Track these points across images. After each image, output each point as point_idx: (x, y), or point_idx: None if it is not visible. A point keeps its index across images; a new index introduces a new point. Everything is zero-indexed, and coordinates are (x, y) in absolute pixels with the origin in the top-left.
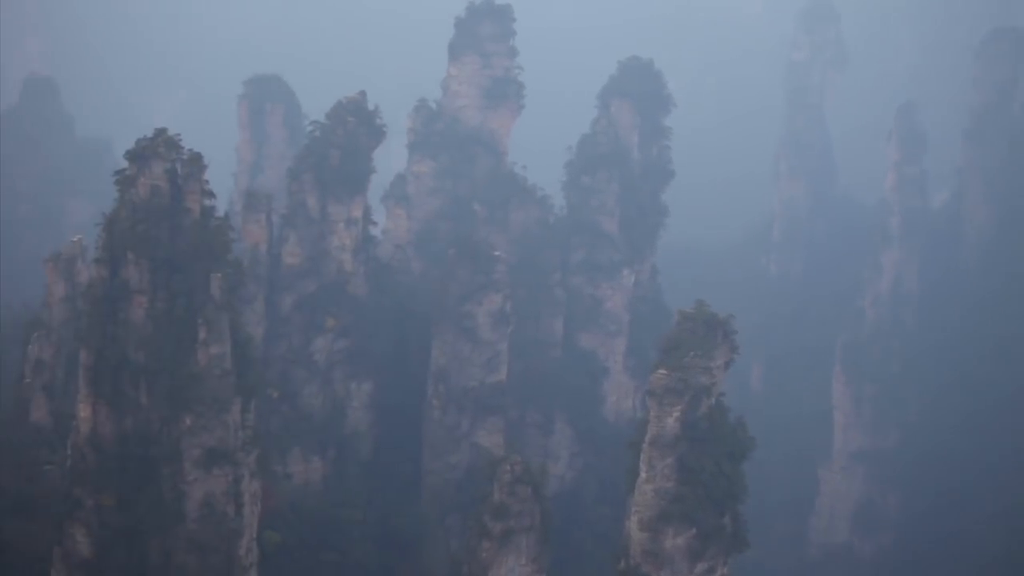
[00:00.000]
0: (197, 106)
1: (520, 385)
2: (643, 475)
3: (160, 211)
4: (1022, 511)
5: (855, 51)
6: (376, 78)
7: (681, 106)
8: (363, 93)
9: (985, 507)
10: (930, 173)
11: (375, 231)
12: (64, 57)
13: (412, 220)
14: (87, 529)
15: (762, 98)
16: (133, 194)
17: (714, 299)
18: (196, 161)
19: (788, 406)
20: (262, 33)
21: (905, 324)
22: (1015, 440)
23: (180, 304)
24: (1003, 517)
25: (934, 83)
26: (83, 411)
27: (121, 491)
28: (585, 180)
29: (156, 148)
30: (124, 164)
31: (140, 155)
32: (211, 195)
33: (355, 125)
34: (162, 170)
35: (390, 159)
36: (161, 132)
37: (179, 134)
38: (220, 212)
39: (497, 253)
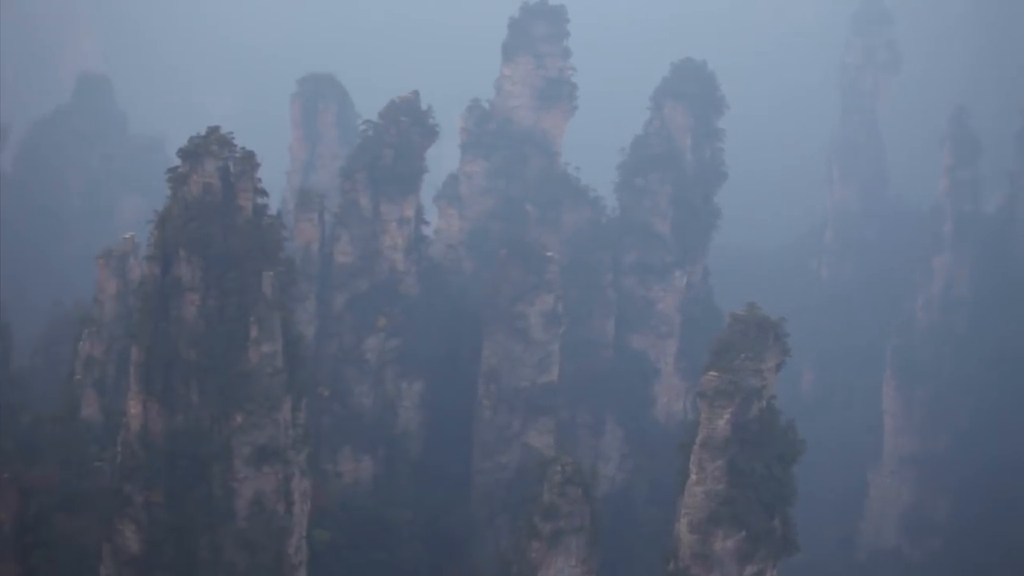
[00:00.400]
0: (250, 104)
1: (571, 386)
2: (693, 477)
3: (212, 209)
4: None
5: (908, 54)
6: (429, 78)
7: (732, 108)
8: (416, 93)
9: None
10: (984, 177)
11: (427, 231)
12: (118, 54)
13: (464, 220)
14: (136, 526)
15: (814, 101)
16: (185, 192)
17: (765, 302)
18: (249, 159)
19: (838, 409)
20: (315, 31)
21: (956, 328)
22: None
23: (232, 302)
24: None
25: (988, 87)
26: (133, 408)
27: (171, 488)
28: (638, 181)
29: (209, 146)
30: (177, 161)
31: (193, 153)
32: (263, 193)
33: (408, 125)
34: (215, 168)
35: (442, 159)
36: (214, 130)
37: (232, 132)
38: (272, 210)
39: (549, 254)
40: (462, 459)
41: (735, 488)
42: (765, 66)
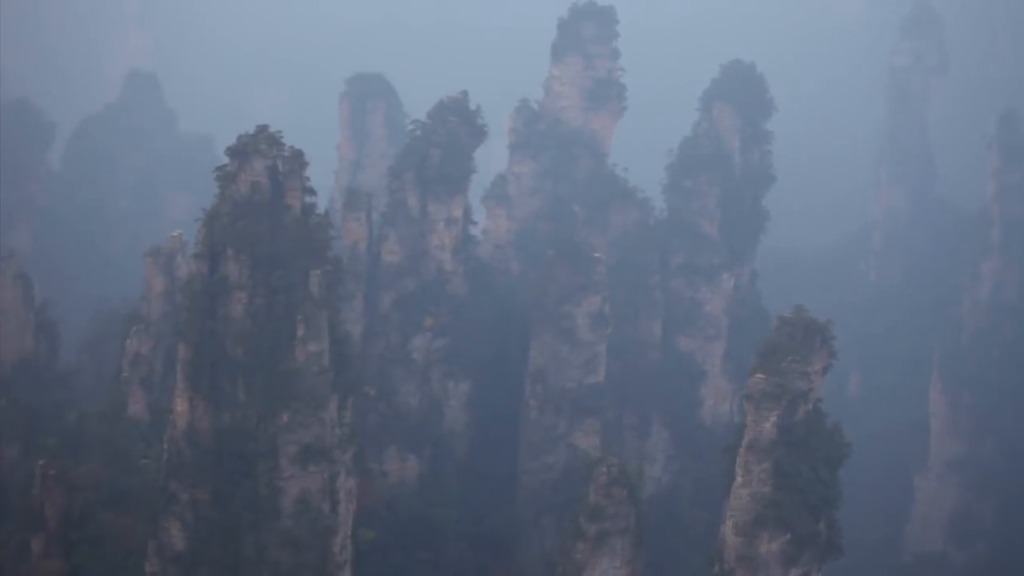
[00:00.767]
0: (299, 103)
1: (617, 387)
2: (739, 479)
3: (260, 207)
4: None
5: (957, 57)
6: (478, 78)
7: (780, 110)
8: (465, 93)
9: None
10: None
11: (475, 231)
12: (167, 52)
13: (512, 220)
14: (182, 523)
15: (862, 103)
16: (234, 190)
17: (813, 304)
18: (297, 158)
19: (885, 413)
20: (364, 31)
21: (1004, 333)
22: None
23: (279, 301)
24: None
25: None
26: (180, 406)
27: (217, 486)
28: (686, 183)
29: (257, 144)
30: (225, 160)
31: (241, 151)
32: (311, 192)
33: (456, 125)
34: (263, 167)
35: (490, 159)
36: (262, 129)
37: (280, 131)
38: (320, 210)
39: (597, 255)
40: (508, 459)
41: (781, 491)
42: (811, 67)
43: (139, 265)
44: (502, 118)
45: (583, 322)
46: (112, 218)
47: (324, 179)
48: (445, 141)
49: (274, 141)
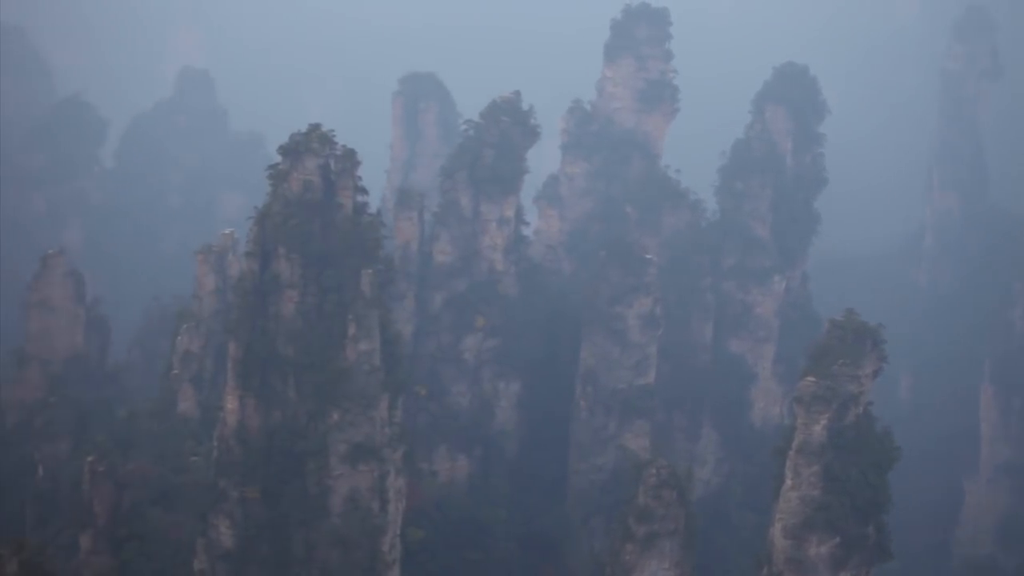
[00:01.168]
0: (351, 102)
1: (668, 388)
2: (788, 482)
3: (312, 206)
4: None
5: (1009, 61)
6: (530, 78)
7: (832, 113)
8: (517, 93)
9: None
10: None
11: (527, 231)
12: (219, 50)
13: (564, 221)
14: (231, 521)
15: (914, 106)
16: (285, 189)
17: (864, 308)
18: (349, 157)
19: (935, 417)
20: (417, 30)
21: None
22: None
23: (330, 299)
24: None
25: None
26: (230, 403)
27: (266, 484)
28: (738, 185)
29: (310, 143)
30: (277, 158)
31: (293, 150)
32: (364, 191)
33: (509, 125)
34: (315, 165)
35: (543, 160)
36: (315, 127)
37: (333, 130)
38: (372, 209)
39: (648, 256)
40: (558, 460)
41: (830, 494)
42: (863, 70)
43: (190, 263)
44: (555, 119)
45: (634, 323)
46: (164, 215)
47: (376, 178)
48: (497, 141)
49: (326, 140)
